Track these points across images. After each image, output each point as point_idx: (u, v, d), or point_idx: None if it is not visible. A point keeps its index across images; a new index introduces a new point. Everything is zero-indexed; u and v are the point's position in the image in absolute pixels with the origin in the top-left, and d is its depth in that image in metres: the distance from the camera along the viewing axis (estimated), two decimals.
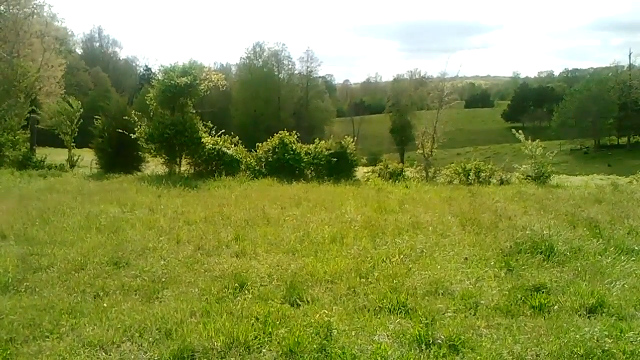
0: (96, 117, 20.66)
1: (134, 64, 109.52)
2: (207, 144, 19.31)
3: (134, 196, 13.03)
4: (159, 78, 19.65)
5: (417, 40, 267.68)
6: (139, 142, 19.56)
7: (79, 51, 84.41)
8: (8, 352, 4.41)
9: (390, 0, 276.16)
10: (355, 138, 24.74)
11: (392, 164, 20.11)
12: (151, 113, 19.64)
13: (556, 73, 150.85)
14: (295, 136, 20.07)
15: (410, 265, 6.73)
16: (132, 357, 4.35)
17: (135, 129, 19.37)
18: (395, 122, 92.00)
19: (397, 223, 9.55)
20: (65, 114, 20.43)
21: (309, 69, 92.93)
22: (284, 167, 19.26)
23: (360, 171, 20.41)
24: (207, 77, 20.22)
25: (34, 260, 7.01)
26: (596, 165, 57.82)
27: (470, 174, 19.02)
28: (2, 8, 37.37)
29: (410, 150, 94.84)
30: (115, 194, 13.40)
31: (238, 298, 5.63)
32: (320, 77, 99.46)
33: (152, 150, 19.69)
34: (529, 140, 19.54)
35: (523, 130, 22.03)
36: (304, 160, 19.53)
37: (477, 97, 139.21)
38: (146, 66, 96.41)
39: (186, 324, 4.91)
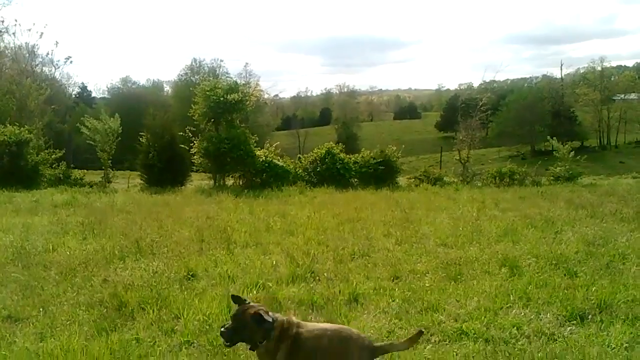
0: (141, 133, 20.68)
1: (67, 82, 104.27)
2: (260, 156, 19.96)
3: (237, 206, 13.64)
4: (206, 94, 20.01)
5: (338, 55, 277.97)
6: (194, 157, 19.86)
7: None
8: None
9: (309, 16, 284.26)
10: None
11: (431, 171, 21.57)
12: (205, 129, 20.07)
13: (475, 84, 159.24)
14: (341, 147, 21.20)
15: None
16: None
17: (191, 145, 19.74)
18: (340, 134, 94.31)
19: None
20: (107, 132, 20.16)
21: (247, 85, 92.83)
22: (333, 176, 20.20)
23: (402, 179, 21.66)
24: (253, 93, 20.95)
25: None
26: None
27: (505, 177, 20.81)
28: None
29: None
30: (224, 204, 13.95)
31: None
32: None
33: (206, 165, 20.04)
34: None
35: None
36: (353, 169, 20.65)
37: (405, 109, 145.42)
38: (82, 83, 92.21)
39: None
